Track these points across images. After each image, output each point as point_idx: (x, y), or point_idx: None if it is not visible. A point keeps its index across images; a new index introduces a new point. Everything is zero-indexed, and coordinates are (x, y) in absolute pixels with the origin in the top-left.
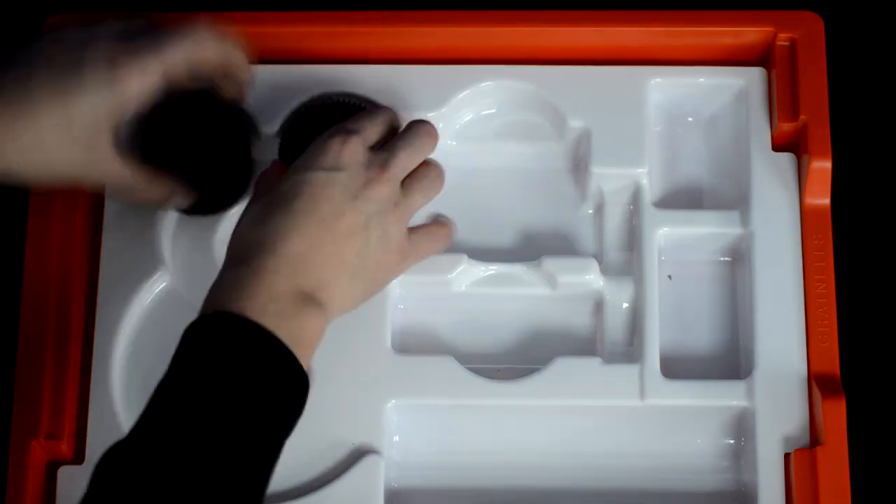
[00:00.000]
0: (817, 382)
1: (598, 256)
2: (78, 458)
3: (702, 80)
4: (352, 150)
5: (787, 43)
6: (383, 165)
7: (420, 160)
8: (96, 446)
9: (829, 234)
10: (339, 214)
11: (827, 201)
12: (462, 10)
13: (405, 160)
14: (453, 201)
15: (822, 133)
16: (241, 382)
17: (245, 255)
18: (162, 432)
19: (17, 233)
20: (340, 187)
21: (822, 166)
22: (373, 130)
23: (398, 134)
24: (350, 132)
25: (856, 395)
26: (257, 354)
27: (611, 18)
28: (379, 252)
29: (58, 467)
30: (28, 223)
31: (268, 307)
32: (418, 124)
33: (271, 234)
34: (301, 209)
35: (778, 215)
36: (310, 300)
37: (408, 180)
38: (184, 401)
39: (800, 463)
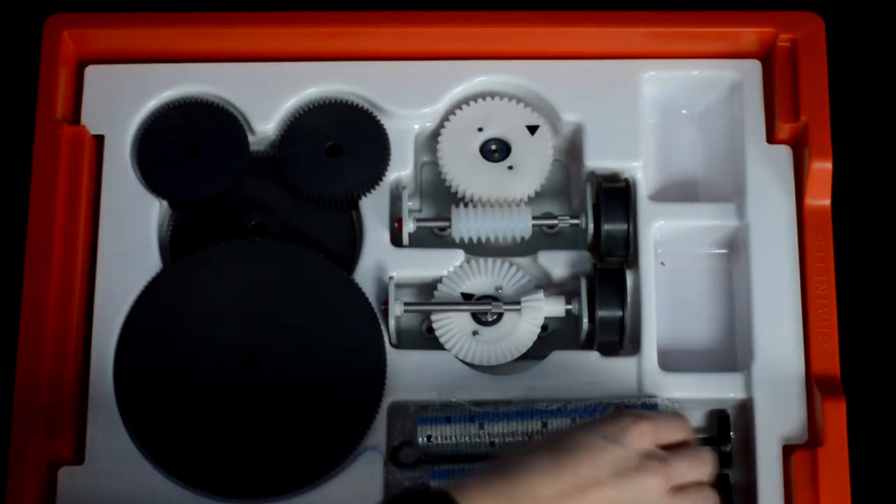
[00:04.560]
0: (817, 383)
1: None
2: (78, 458)
3: (696, 73)
4: (639, 432)
5: (787, 43)
6: (664, 461)
7: (698, 479)
8: (95, 446)
9: (830, 234)
10: (597, 483)
11: (827, 202)
12: (457, 11)
13: (686, 471)
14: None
15: (822, 133)
16: None
17: (501, 469)
18: None
19: (17, 232)
20: (610, 460)
21: (823, 167)
22: (668, 431)
23: (688, 446)
24: (645, 418)
25: (856, 396)
26: None
27: (609, 19)
28: None
29: (58, 467)
30: (29, 222)
31: None
32: (711, 454)
33: (528, 471)
34: (565, 463)
35: (774, 206)
36: None
37: (679, 493)
38: None
39: (800, 463)
